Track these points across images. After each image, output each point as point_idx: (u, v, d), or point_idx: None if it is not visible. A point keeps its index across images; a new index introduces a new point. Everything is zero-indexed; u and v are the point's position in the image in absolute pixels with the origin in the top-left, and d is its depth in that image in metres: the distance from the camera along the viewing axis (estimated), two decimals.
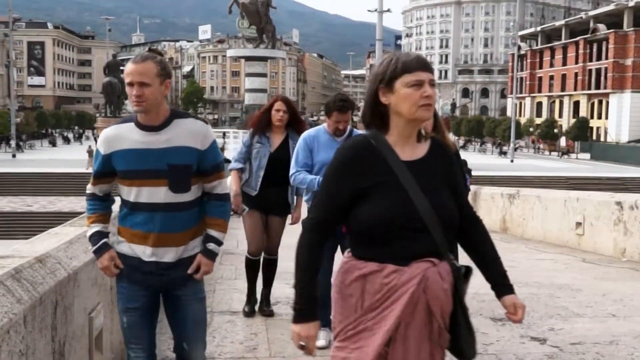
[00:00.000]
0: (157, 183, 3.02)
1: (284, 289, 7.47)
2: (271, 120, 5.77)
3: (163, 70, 3.03)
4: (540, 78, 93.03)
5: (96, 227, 3.15)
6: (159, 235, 3.05)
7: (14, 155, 54.26)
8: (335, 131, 5.12)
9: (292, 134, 5.79)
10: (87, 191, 3.20)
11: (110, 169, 3.07)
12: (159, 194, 3.03)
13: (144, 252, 3.08)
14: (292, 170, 5.29)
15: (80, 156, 51.91)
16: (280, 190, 5.78)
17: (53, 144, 76.34)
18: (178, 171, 3.03)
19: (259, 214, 5.83)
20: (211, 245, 3.25)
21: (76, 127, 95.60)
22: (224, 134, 74.67)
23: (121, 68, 53.66)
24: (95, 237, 3.14)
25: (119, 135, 3.04)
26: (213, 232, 3.27)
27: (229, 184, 5.01)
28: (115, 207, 3.30)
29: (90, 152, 47.89)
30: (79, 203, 32.54)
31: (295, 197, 5.89)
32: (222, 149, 24.11)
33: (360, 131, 4.86)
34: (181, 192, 3.07)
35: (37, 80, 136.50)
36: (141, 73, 2.94)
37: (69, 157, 54.24)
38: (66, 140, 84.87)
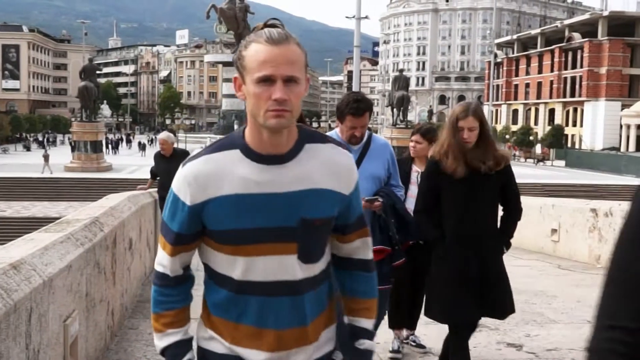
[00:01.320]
0: (281, 249, 1.90)
1: None
2: None
3: (306, 59, 1.91)
4: (516, 86, 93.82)
5: (174, 335, 2.03)
6: (282, 333, 1.94)
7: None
8: (350, 138, 4.11)
9: None
10: (158, 269, 2.01)
11: (199, 227, 1.91)
12: (284, 266, 1.91)
13: (257, 359, 1.97)
14: None
15: (55, 160, 51.44)
16: None
17: (27, 148, 75.56)
18: (315, 230, 1.92)
19: None
20: (363, 343, 2.11)
21: (50, 131, 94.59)
22: (210, 139, 74.41)
23: (97, 72, 53.35)
24: (173, 352, 2.02)
25: (218, 172, 1.86)
26: (363, 322, 2.13)
27: None
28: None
29: (46, 156, 47.25)
30: (53, 208, 32.21)
31: None
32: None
33: (379, 136, 4.55)
34: (313, 262, 1.97)
35: (11, 83, 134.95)
36: (290, 61, 1.80)
37: (42, 161, 53.63)
38: (40, 144, 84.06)
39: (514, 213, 4.23)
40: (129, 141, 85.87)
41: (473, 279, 3.99)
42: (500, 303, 4.11)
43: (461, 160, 3.93)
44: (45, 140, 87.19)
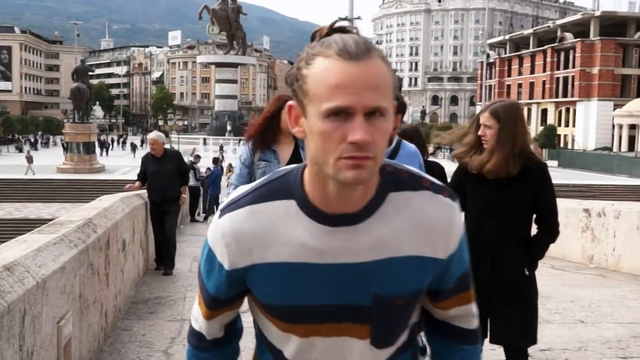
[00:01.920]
0: (348, 331, 1.47)
1: None
2: (279, 128, 4.54)
3: (395, 80, 1.41)
4: (508, 86, 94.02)
5: None
6: None
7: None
8: None
9: (301, 141, 4.18)
10: (193, 325, 1.66)
11: (243, 288, 1.50)
12: (350, 351, 1.49)
13: None
14: None
15: (47, 161, 51.30)
16: None
17: (19, 149, 75.34)
18: (395, 310, 1.47)
19: None
20: None
21: (39, 133, 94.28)
22: (205, 140, 74.32)
23: (89, 73, 53.24)
24: None
25: (266, 230, 1.43)
26: None
27: None
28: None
29: (29, 157, 47.22)
30: (45, 210, 32.11)
31: None
32: (197, 157, 23.35)
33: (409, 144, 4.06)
34: (390, 345, 1.53)
35: (3, 85, 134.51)
36: (375, 85, 1.29)
37: (36, 163, 53.52)
38: (33, 146, 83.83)
39: (543, 231, 3.91)
40: (125, 142, 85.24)
41: (479, 290, 3.65)
42: (509, 327, 3.73)
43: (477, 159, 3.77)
44: (39, 141, 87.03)
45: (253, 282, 1.45)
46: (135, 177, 9.80)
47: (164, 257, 9.08)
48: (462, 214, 1.52)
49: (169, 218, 9.23)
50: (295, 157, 4.52)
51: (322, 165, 1.30)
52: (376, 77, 1.26)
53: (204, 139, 73.94)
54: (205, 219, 20.04)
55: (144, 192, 9.61)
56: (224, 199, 5.40)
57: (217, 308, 1.57)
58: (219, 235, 1.43)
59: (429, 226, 1.42)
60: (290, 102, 1.37)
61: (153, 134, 9.52)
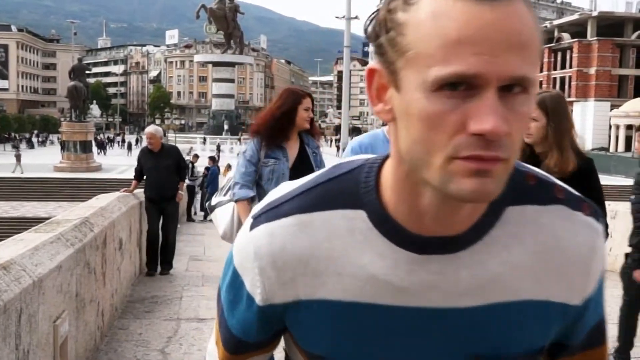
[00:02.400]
0: None
1: None
2: (293, 124, 4.24)
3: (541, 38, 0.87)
4: None
5: None
6: None
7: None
8: None
9: (306, 138, 4.41)
10: None
11: (279, 327, 1.05)
12: None
13: None
14: None
15: (44, 160, 51.23)
16: None
17: (16, 148, 75.23)
18: None
19: None
20: None
21: (35, 132, 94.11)
22: (204, 139, 74.05)
23: (87, 72, 53.16)
24: None
25: (321, 252, 0.95)
26: None
27: (234, 221, 4.46)
28: None
29: (18, 156, 47.46)
30: (42, 208, 32.07)
31: None
32: (196, 157, 22.83)
33: None
34: None
35: (0, 83, 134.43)
36: (520, 43, 0.77)
37: (32, 161, 53.47)
38: (30, 144, 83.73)
39: None
40: (124, 141, 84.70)
41: None
42: None
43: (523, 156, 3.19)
44: (35, 140, 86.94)
45: (295, 324, 1.01)
46: (132, 177, 9.47)
47: (161, 261, 8.77)
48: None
49: (168, 219, 8.98)
50: (302, 156, 4.32)
51: (420, 166, 0.83)
52: (521, 31, 0.78)
53: (204, 138, 73.73)
54: (205, 217, 19.93)
55: (139, 191, 9.31)
56: (221, 198, 4.77)
57: (242, 352, 1.10)
58: (250, 255, 0.99)
59: (561, 258, 0.95)
60: (372, 65, 0.91)
61: (150, 128, 9.16)
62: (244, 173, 4.22)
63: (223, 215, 4.53)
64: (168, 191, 8.93)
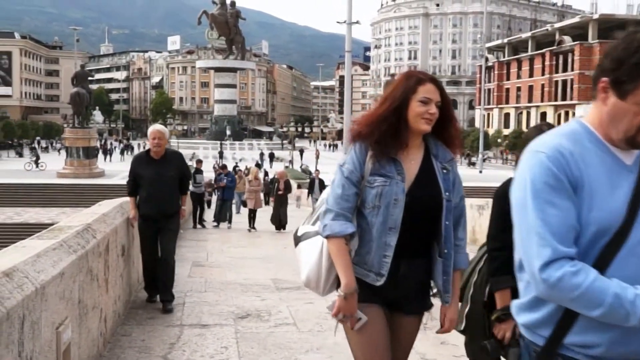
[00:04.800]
0: None
1: (253, 302, 7.47)
2: (406, 125, 2.86)
3: None
4: (507, 89, 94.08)
5: None
6: None
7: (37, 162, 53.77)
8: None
9: (435, 146, 2.98)
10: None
11: None
12: None
13: None
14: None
15: (47, 166, 51.31)
16: (421, 264, 2.96)
17: (20, 154, 75.34)
18: None
19: (382, 314, 2.92)
20: None
21: (37, 138, 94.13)
22: (221, 145, 73.60)
23: (89, 78, 53.27)
24: None
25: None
26: None
27: (323, 264, 2.95)
28: None
29: (37, 157, 48.49)
30: (45, 214, 32.12)
31: (446, 273, 2.95)
32: (200, 162, 21.25)
33: None
34: None
35: (3, 90, 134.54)
36: None
37: (35, 167, 53.55)
38: (33, 151, 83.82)
39: None
40: (128, 147, 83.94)
41: None
42: None
43: None
44: (38, 146, 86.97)
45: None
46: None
47: (158, 287, 7.18)
48: None
49: (166, 237, 7.22)
50: (425, 173, 2.90)
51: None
52: None
53: (221, 144, 73.17)
54: (218, 224, 19.84)
55: (124, 200, 7.65)
56: (308, 228, 3.13)
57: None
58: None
59: None
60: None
61: (157, 126, 7.35)
62: (340, 197, 2.85)
63: (308, 252, 3.04)
64: (169, 208, 7.23)
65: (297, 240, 3.17)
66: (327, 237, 2.84)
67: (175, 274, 7.41)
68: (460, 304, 3.28)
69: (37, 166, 51.77)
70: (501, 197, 3.10)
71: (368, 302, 2.84)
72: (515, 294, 2.89)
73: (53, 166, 52.54)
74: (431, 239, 2.92)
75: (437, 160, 2.93)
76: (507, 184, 3.09)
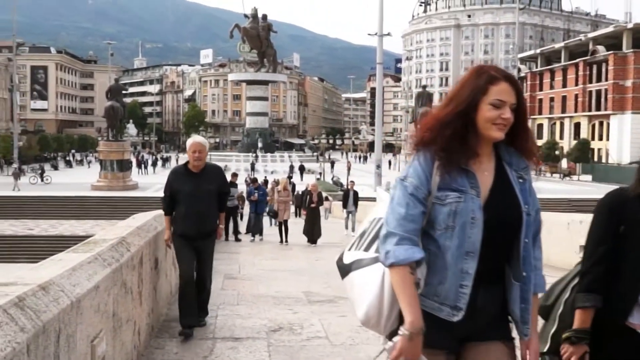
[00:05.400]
0: None
1: (285, 315, 7.45)
2: (475, 129, 2.45)
3: None
4: (540, 100, 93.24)
5: None
6: None
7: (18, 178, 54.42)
8: None
9: (507, 153, 2.55)
10: None
11: None
12: None
13: None
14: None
15: (82, 179, 51.99)
16: (498, 292, 2.53)
17: (55, 167, 76.46)
18: None
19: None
20: None
21: (72, 151, 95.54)
22: (257, 157, 73.84)
23: (123, 92, 54.01)
24: None
25: None
26: None
27: (385, 297, 2.46)
28: None
29: (16, 174, 48.96)
30: (79, 227, 32.52)
31: (524, 300, 2.51)
32: (235, 176, 21.41)
33: None
34: None
35: (39, 104, 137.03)
36: None
37: (71, 180, 54.31)
38: (68, 163, 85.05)
39: None
40: (164, 159, 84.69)
41: None
42: None
43: None
44: (73, 159, 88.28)
45: None
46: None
47: (195, 310, 6.63)
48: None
49: (204, 260, 6.71)
50: (502, 182, 2.49)
51: None
52: None
53: (256, 156, 73.63)
54: (253, 238, 19.86)
55: (157, 213, 7.34)
56: (360, 254, 2.58)
57: None
58: None
59: None
60: None
61: (198, 138, 6.68)
62: (404, 217, 2.39)
63: (366, 284, 2.54)
64: (208, 225, 6.66)
65: (346, 269, 2.67)
66: (390, 265, 2.36)
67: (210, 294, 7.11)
68: (546, 323, 3.03)
69: (42, 180, 52.22)
70: (608, 208, 2.92)
71: (435, 348, 2.39)
72: (599, 316, 2.72)
73: (58, 179, 53.55)
74: (506, 261, 2.50)
75: (512, 169, 2.51)
76: (615, 194, 2.95)
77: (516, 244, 2.45)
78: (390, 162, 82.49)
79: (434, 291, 2.41)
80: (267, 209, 21.88)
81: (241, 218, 23.78)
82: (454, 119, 2.41)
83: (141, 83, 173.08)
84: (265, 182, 32.04)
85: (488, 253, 2.39)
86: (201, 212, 6.49)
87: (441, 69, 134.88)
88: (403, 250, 2.33)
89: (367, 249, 2.59)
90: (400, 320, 2.38)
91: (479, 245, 2.36)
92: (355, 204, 22.84)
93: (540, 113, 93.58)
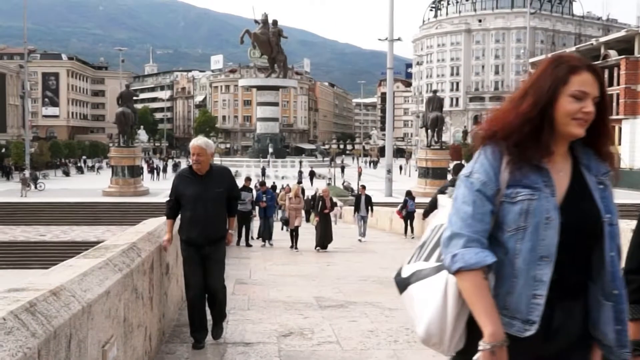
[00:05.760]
0: None
1: (296, 320, 7.44)
2: (551, 125, 2.19)
3: None
4: None
5: None
6: None
7: (28, 186, 54.53)
8: None
9: (585, 154, 2.29)
10: None
11: None
12: None
13: None
14: None
15: (93, 185, 52.24)
16: (579, 310, 2.23)
17: (67, 173, 76.81)
18: None
19: None
20: None
21: (83, 157, 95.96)
22: (269, 162, 73.46)
23: (134, 98, 54.22)
24: None
25: None
26: None
27: (449, 309, 2.17)
28: None
29: (24, 179, 49.22)
30: (91, 232, 32.65)
31: (620, 321, 2.20)
32: (248, 180, 21.33)
33: None
34: None
35: (51, 110, 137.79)
36: None
37: (82, 186, 54.57)
38: (80, 170, 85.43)
39: None
40: (177, 165, 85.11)
41: None
42: None
43: None
44: (84, 165, 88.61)
45: None
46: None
47: (208, 324, 6.38)
48: None
49: (213, 269, 6.27)
50: (579, 186, 2.22)
51: None
52: None
53: (269, 161, 73.63)
54: (264, 243, 19.80)
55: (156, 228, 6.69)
56: (420, 265, 2.30)
57: None
58: None
59: None
60: None
61: (199, 140, 6.26)
62: (471, 216, 2.14)
63: (426, 297, 2.24)
64: (215, 231, 6.26)
65: (404, 283, 2.35)
66: (457, 271, 2.07)
67: (226, 308, 6.60)
68: None
69: (35, 187, 51.94)
70: None
71: None
72: None
73: (51, 186, 53.75)
74: (585, 276, 2.19)
75: (591, 174, 2.23)
76: None
77: (598, 257, 2.17)
78: (401, 167, 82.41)
79: (503, 303, 2.11)
80: (280, 216, 21.79)
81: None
82: (535, 114, 2.16)
83: (152, 89, 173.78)
84: (274, 187, 32.03)
85: (565, 261, 2.12)
86: (207, 217, 6.11)
87: (452, 74, 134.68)
88: (472, 253, 2.07)
89: (427, 259, 2.31)
90: (468, 337, 2.16)
91: (555, 250, 2.09)
92: (369, 209, 22.73)
93: None
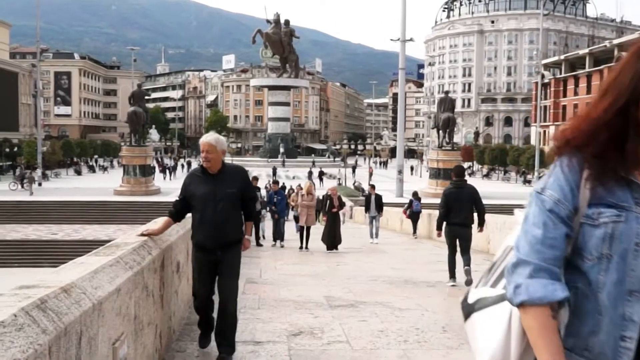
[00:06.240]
0: None
1: (306, 319, 7.44)
2: (637, 131, 1.74)
3: None
4: (564, 106, 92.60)
5: None
6: None
7: (40, 184, 54.77)
8: None
9: None
10: None
11: None
12: None
13: None
14: None
15: (104, 184, 52.43)
16: None
17: (78, 172, 77.12)
18: None
19: None
20: None
21: (95, 157, 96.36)
22: (283, 162, 73.34)
23: (146, 97, 54.36)
24: None
25: None
26: None
27: (512, 342, 1.85)
28: None
29: (30, 178, 49.31)
30: (102, 231, 32.77)
31: None
32: (255, 179, 20.55)
33: None
34: None
35: (63, 109, 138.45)
36: None
37: (94, 185, 54.79)
38: (91, 169, 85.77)
39: None
40: (188, 164, 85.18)
41: None
42: None
43: None
44: (96, 164, 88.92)
45: None
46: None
47: (218, 342, 5.77)
48: None
49: (225, 276, 5.73)
50: None
51: None
52: None
53: (283, 161, 73.50)
54: (275, 243, 19.74)
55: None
56: (485, 292, 1.99)
57: None
58: None
59: None
60: None
61: (209, 137, 5.80)
62: (541, 241, 1.79)
63: (488, 329, 1.94)
64: (227, 234, 5.70)
65: (468, 309, 2.04)
66: (521, 304, 1.75)
67: (237, 321, 5.94)
68: None
69: (22, 186, 51.65)
70: None
71: None
72: None
73: (63, 184, 53.53)
74: None
75: None
76: None
77: None
78: (412, 168, 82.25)
79: (584, 344, 1.77)
80: (292, 215, 21.67)
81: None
82: (612, 118, 1.76)
83: (164, 88, 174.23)
84: (283, 187, 31.96)
85: None
86: (217, 219, 5.60)
87: (464, 75, 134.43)
88: (540, 285, 1.73)
89: (494, 285, 1.99)
90: None
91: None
92: (379, 209, 22.53)
93: (564, 120, 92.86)
